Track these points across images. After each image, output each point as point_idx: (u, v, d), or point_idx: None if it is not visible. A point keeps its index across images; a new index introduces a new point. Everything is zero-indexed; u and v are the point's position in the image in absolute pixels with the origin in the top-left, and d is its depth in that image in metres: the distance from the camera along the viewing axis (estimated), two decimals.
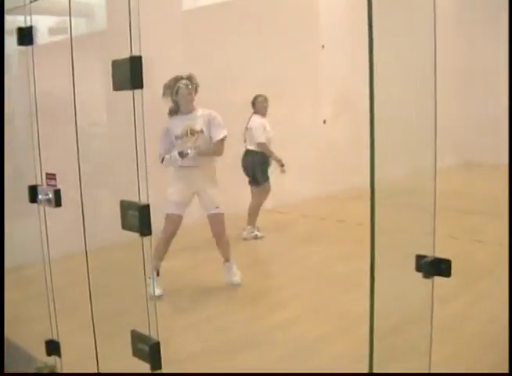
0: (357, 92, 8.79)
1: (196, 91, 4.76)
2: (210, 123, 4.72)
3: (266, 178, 6.36)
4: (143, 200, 2.57)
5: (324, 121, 8.10)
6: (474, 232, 6.44)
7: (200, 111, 4.78)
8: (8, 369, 3.41)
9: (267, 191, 6.45)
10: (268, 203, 6.69)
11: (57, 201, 3.12)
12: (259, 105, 6.42)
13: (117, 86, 2.55)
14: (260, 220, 6.50)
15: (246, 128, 6.38)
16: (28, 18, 3.15)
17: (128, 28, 2.53)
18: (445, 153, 9.32)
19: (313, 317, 4.25)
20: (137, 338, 2.76)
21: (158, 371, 2.66)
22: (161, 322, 2.56)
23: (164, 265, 4.80)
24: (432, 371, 2.12)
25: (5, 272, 4.15)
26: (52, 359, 3.43)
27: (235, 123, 5.95)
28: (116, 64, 2.55)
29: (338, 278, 4.98)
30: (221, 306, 4.57)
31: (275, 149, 6.28)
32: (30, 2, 3.12)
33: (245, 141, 6.41)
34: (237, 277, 4.95)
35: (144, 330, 2.70)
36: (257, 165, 6.31)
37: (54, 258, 3.40)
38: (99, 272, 3.24)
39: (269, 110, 6.42)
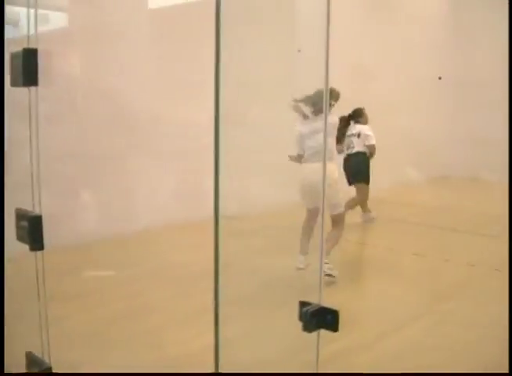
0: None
1: None
2: None
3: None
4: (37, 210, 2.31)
5: None
6: (445, 250, 6.17)
7: None
8: None
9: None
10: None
11: None
12: (365, 116, 7.48)
13: (13, 81, 2.28)
14: None
15: (351, 135, 7.33)
16: None
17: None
18: (421, 167, 9.18)
19: None
20: (31, 360, 2.51)
21: None
22: None
23: None
24: None
25: None
26: None
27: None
28: (12, 57, 2.28)
29: None
30: None
31: None
32: None
33: (347, 148, 7.31)
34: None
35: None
36: (365, 163, 7.33)
37: None
38: None
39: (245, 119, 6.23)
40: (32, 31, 2.23)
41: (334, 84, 8.34)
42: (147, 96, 6.28)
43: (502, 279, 4.88)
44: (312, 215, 5.03)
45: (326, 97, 1.87)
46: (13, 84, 2.27)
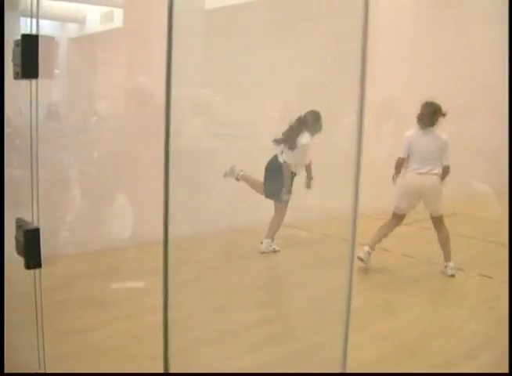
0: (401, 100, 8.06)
1: None
2: None
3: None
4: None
5: None
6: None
7: None
8: None
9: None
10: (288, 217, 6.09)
11: None
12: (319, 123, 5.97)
13: (14, 74, 1.99)
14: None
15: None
16: None
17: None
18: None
19: None
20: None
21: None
22: None
23: None
24: None
25: None
26: None
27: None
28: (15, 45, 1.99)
29: None
30: None
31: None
32: None
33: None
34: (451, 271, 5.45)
35: None
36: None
37: None
38: None
39: None
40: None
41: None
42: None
43: None
44: (401, 219, 5.64)
45: None
46: (14, 76, 1.99)
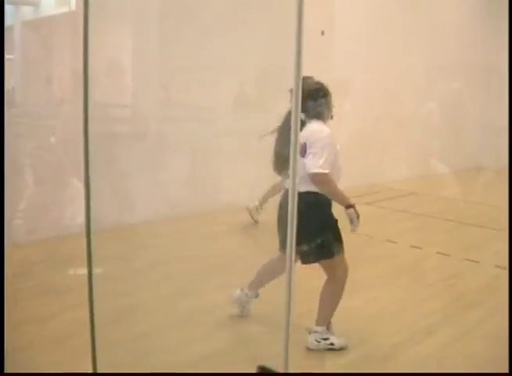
0: (358, 82, 8.10)
1: None
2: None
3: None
4: None
5: None
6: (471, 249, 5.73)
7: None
8: None
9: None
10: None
11: None
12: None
13: None
14: None
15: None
16: None
17: None
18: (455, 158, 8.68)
19: None
20: None
21: None
22: None
23: None
24: None
25: None
26: None
27: None
28: None
29: None
30: None
31: None
32: None
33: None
34: None
35: None
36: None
37: None
38: None
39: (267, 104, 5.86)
40: None
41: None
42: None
43: None
44: None
45: None
46: None
